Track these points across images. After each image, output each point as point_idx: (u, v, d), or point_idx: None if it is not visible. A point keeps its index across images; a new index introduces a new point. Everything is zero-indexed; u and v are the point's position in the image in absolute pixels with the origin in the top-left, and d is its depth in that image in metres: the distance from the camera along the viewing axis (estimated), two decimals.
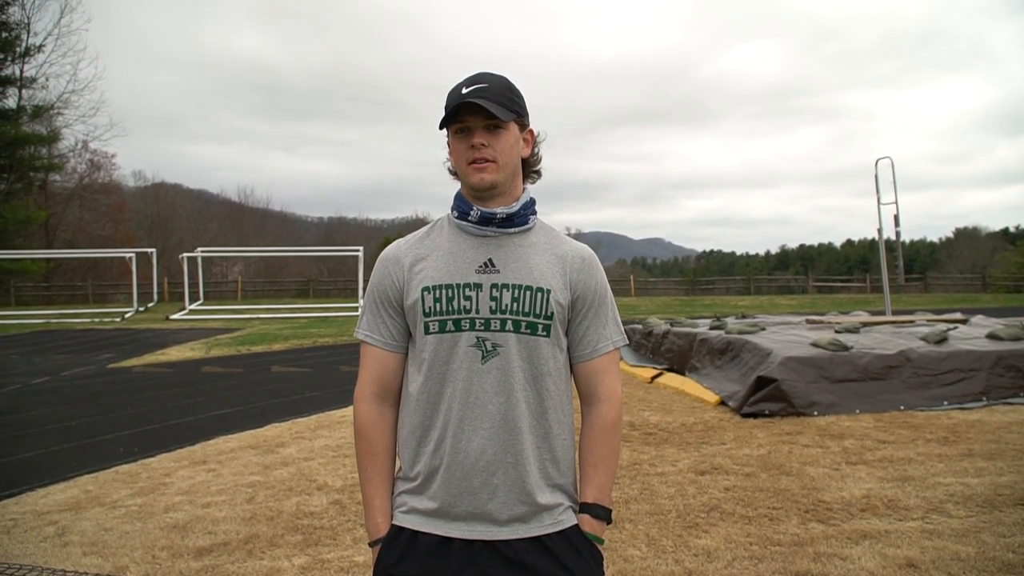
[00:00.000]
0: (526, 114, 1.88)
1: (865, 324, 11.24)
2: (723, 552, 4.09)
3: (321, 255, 48.41)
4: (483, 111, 1.75)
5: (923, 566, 3.81)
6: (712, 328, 11.20)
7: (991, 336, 9.27)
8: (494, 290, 1.78)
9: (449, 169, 1.92)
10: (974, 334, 9.64)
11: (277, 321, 24.58)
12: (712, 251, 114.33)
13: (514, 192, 1.86)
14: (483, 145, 1.78)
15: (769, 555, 4.03)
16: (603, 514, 1.86)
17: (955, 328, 10.26)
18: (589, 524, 1.84)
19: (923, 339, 9.00)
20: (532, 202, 1.90)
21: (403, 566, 1.78)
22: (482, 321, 1.78)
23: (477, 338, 1.78)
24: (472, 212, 1.83)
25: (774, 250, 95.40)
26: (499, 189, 1.82)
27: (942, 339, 8.92)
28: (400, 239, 1.95)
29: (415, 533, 1.80)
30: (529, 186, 1.94)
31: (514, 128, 1.83)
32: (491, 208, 1.82)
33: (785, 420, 7.39)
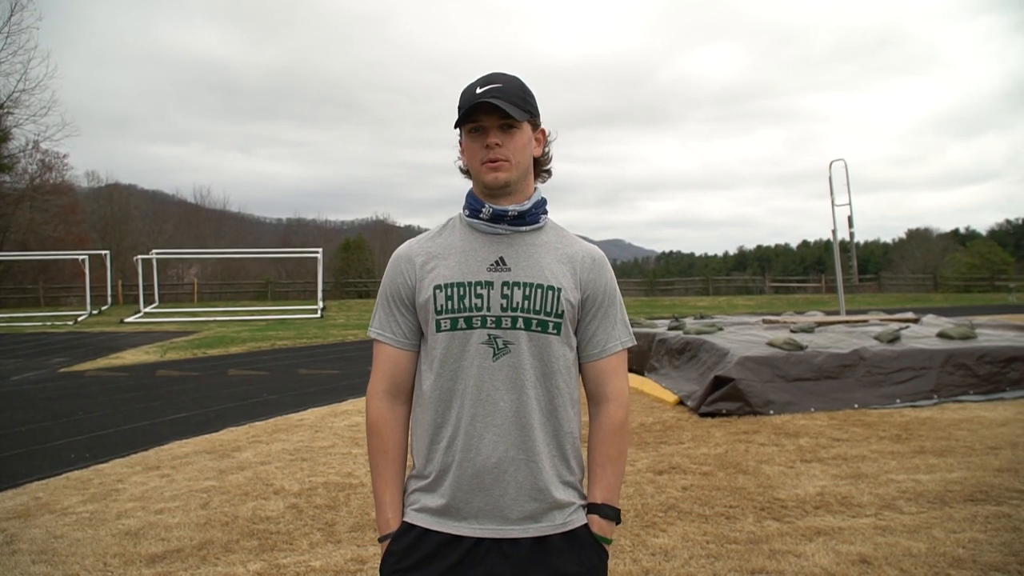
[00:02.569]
0: (538, 114, 1.89)
1: (820, 324, 11.43)
2: (680, 551, 4.12)
3: (279, 257, 47.93)
4: (498, 111, 1.75)
5: (876, 562, 3.88)
6: (671, 328, 11.30)
7: (941, 335, 9.48)
8: (505, 288, 1.79)
9: (461, 168, 1.92)
10: (925, 333, 9.86)
11: (234, 324, 24.25)
12: (672, 252, 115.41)
13: (526, 191, 1.88)
14: (497, 144, 1.79)
15: (725, 553, 4.07)
16: (612, 514, 1.87)
17: (907, 327, 10.49)
18: (599, 525, 1.85)
19: (876, 338, 9.18)
20: (543, 201, 1.91)
21: (409, 563, 1.78)
22: (493, 319, 1.78)
23: (488, 335, 1.78)
24: (484, 209, 1.83)
25: (732, 251, 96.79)
26: (512, 188, 1.83)
27: (894, 338, 9.11)
28: (412, 239, 1.95)
29: (425, 531, 1.79)
30: (540, 185, 1.95)
31: (527, 128, 1.84)
32: (503, 205, 1.83)
33: (742, 419, 7.49)
